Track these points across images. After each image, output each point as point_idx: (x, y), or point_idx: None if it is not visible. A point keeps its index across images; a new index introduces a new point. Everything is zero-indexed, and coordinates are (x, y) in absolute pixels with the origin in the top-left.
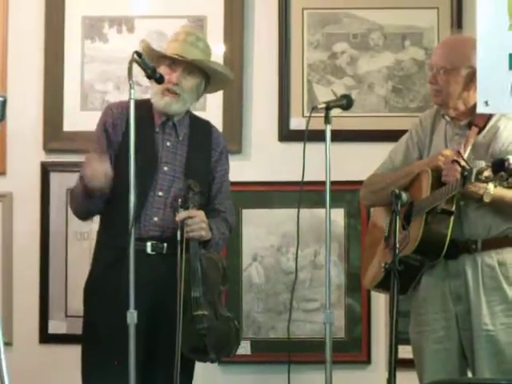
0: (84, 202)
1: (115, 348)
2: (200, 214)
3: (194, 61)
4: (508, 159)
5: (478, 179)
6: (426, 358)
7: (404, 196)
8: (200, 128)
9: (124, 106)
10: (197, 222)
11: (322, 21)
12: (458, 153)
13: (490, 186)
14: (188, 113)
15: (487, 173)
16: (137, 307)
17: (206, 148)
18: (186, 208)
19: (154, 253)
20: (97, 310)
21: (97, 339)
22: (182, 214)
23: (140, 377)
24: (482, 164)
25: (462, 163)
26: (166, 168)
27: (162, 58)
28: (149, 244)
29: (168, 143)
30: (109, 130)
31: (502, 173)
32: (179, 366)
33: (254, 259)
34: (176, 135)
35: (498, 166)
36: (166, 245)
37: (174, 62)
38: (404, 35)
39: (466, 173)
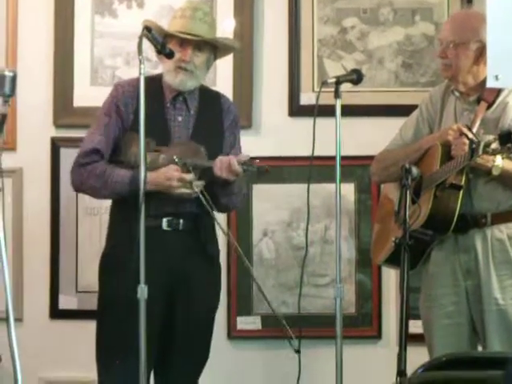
0: (116, 195)
1: (130, 323)
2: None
3: (210, 39)
4: None
5: (485, 151)
6: (436, 333)
7: (414, 170)
8: (210, 100)
9: (133, 83)
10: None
11: None
12: (467, 127)
13: (499, 158)
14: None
15: (494, 145)
16: (153, 283)
17: (216, 119)
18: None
19: (169, 229)
20: (111, 286)
21: (111, 314)
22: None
23: (157, 351)
24: (490, 137)
25: (470, 136)
26: None
27: (171, 34)
28: (164, 220)
29: (179, 118)
30: (120, 107)
31: (509, 144)
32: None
33: (265, 234)
34: (187, 109)
35: (505, 137)
36: (182, 221)
37: (184, 38)
38: (414, 10)
39: (473, 145)
